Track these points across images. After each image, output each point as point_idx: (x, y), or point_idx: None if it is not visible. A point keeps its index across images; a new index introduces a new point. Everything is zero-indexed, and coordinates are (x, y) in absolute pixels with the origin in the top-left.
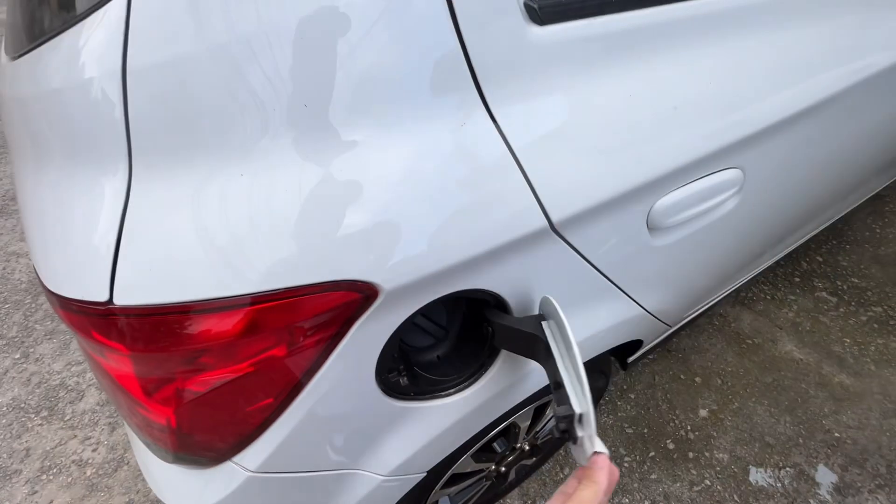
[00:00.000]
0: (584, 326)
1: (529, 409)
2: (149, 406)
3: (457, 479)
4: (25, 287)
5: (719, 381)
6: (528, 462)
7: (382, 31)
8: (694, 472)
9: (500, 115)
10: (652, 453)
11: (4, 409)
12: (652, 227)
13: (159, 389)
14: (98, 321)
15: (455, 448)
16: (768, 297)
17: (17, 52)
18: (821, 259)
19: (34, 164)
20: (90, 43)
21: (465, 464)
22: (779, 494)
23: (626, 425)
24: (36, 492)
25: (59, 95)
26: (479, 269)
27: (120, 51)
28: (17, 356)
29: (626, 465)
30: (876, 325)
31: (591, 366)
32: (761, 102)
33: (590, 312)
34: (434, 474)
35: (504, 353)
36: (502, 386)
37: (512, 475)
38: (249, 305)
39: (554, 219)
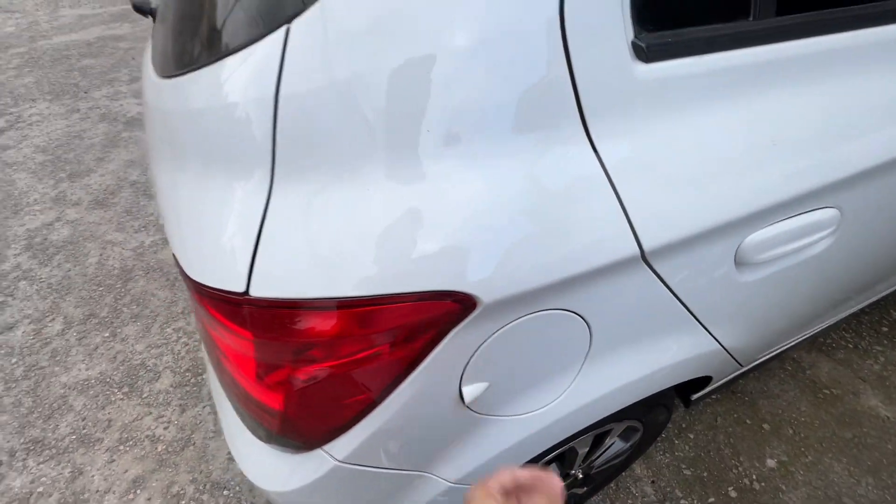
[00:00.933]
0: (652, 358)
1: (589, 436)
2: (261, 389)
3: None
4: (118, 273)
5: (790, 431)
6: (579, 491)
7: (516, 70)
8: None
9: (601, 146)
10: (711, 499)
11: (93, 381)
12: (740, 263)
13: (272, 374)
14: (232, 308)
15: (523, 461)
16: (850, 346)
17: (172, 73)
18: None
19: (175, 167)
20: (247, 71)
21: None
22: None
23: (684, 466)
24: (113, 461)
25: (213, 112)
26: (568, 290)
27: (275, 79)
28: (107, 335)
29: None
30: None
31: (653, 400)
32: (864, 142)
33: (661, 345)
34: None
35: (581, 375)
36: (574, 408)
37: None
38: (362, 307)
39: (645, 247)
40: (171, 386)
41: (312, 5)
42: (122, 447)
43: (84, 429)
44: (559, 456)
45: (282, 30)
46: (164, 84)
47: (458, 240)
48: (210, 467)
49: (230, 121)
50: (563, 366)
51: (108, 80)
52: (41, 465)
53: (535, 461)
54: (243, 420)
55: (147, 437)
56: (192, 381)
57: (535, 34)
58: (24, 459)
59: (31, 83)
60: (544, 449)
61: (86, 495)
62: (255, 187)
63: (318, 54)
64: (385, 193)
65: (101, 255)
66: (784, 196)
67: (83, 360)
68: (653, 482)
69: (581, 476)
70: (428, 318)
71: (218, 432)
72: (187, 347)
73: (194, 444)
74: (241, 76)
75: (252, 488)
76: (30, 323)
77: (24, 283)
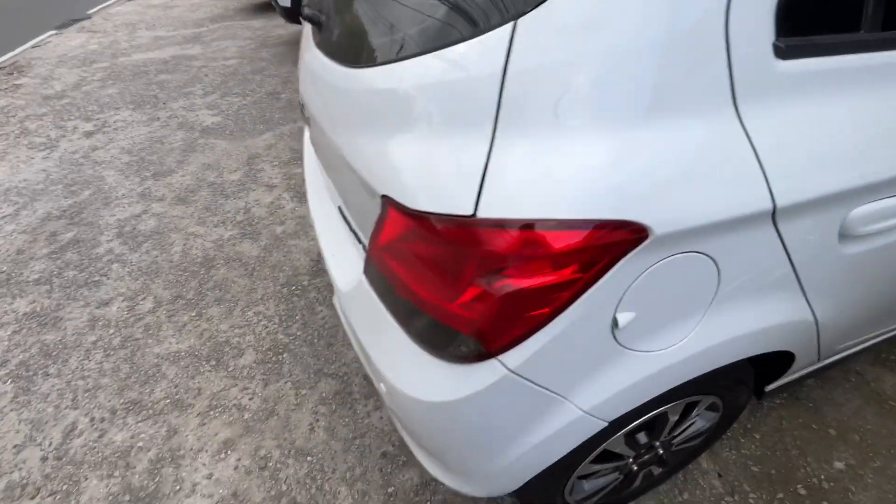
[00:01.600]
0: (757, 316)
1: (682, 403)
2: (465, 295)
3: (601, 459)
4: (200, 261)
5: (857, 438)
6: (655, 472)
7: (690, 59)
8: None
9: (748, 123)
10: (780, 495)
11: (183, 353)
12: (844, 234)
13: (475, 287)
14: (457, 228)
15: (638, 403)
16: None
17: (378, 62)
18: None
19: (384, 133)
20: (478, 54)
21: (615, 443)
22: None
23: (751, 463)
24: (204, 424)
25: (443, 86)
26: (710, 235)
27: (503, 60)
28: (193, 314)
29: (751, 502)
30: None
31: (741, 373)
32: None
33: (766, 305)
34: (611, 427)
35: (705, 319)
36: (694, 352)
37: (637, 481)
38: (559, 229)
39: (778, 204)
40: (254, 362)
41: (538, 7)
42: (211, 412)
43: (177, 394)
44: (650, 423)
45: (509, 25)
46: (367, 72)
47: (643, 181)
48: (293, 436)
49: (461, 91)
50: (694, 307)
51: (184, 93)
52: (139, 424)
53: (642, 412)
54: (421, 339)
55: (234, 405)
56: (273, 359)
57: (709, 35)
58: (124, 417)
59: (114, 93)
60: (663, 391)
61: (181, 452)
62: (479, 139)
63: (542, 42)
64: (590, 144)
65: (184, 244)
66: (892, 174)
67: (173, 335)
68: (720, 475)
69: (661, 452)
70: (608, 243)
71: (300, 405)
72: (267, 329)
73: (278, 414)
74: (471, 58)
75: (334, 457)
76: (123, 300)
77: (116, 265)
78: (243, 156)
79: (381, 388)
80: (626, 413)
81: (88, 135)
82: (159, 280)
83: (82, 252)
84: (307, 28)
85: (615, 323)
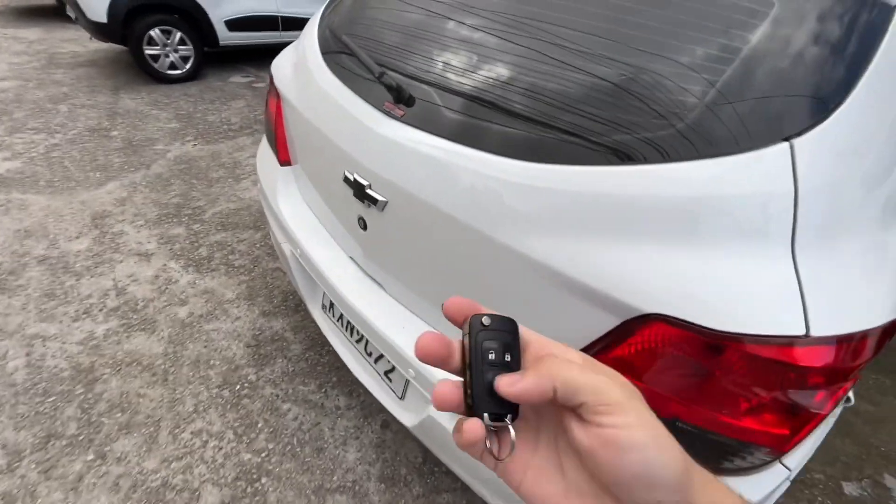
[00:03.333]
0: None
1: None
2: (768, 410)
3: None
4: (70, 375)
5: None
6: None
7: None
8: None
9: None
10: None
11: None
12: None
13: (787, 397)
14: (783, 349)
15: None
16: None
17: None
18: None
19: (646, 241)
20: (761, 170)
21: None
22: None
23: None
24: None
25: (724, 200)
26: None
27: (791, 178)
28: (90, 457)
29: None
30: None
31: None
32: None
33: None
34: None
35: None
36: None
37: None
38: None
39: None
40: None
41: (812, 130)
42: None
43: None
44: None
45: (784, 144)
46: (592, 171)
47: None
48: None
49: (745, 206)
50: None
51: None
52: None
53: None
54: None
55: None
56: (250, 490)
57: None
58: None
59: None
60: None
61: None
62: (777, 255)
63: (821, 163)
64: (872, 250)
65: (28, 355)
66: None
67: None
68: None
69: None
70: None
71: None
72: (223, 452)
73: None
74: (750, 173)
75: None
76: None
77: None
78: (83, 215)
79: None
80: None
81: None
82: (2, 418)
83: None
84: (332, 84)
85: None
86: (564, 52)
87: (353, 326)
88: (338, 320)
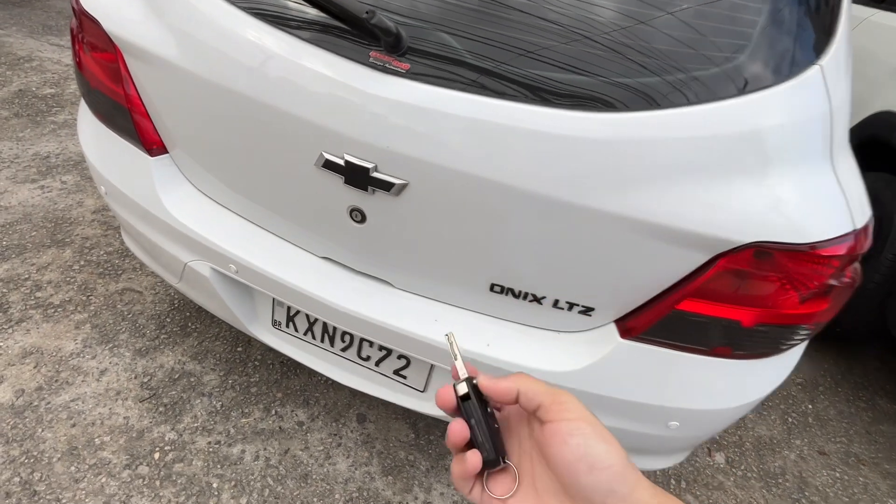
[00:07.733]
0: None
1: None
2: (825, 297)
3: None
4: None
5: None
6: None
7: None
8: None
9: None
10: None
11: None
12: None
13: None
14: (850, 242)
15: None
16: None
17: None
18: None
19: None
20: (797, 97)
21: None
22: None
23: None
24: None
25: (776, 129)
26: None
27: (826, 98)
28: None
29: None
30: None
31: None
32: None
33: None
34: None
35: None
36: None
37: None
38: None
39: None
40: None
41: (828, 52)
42: None
43: None
44: None
45: (815, 68)
46: (653, 115)
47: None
48: None
49: (798, 130)
50: None
51: None
52: None
53: None
54: (751, 349)
55: None
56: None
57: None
58: None
59: None
60: None
61: None
62: (823, 168)
63: (835, 83)
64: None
65: None
66: None
67: None
68: None
69: None
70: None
71: None
72: None
73: None
74: (795, 99)
75: None
76: None
77: None
78: None
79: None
80: None
81: None
82: None
83: None
84: (258, 28)
85: None
86: None
87: (335, 335)
88: (305, 333)
